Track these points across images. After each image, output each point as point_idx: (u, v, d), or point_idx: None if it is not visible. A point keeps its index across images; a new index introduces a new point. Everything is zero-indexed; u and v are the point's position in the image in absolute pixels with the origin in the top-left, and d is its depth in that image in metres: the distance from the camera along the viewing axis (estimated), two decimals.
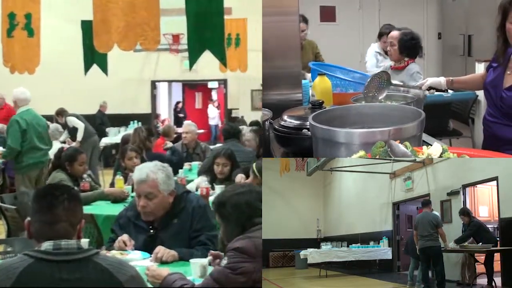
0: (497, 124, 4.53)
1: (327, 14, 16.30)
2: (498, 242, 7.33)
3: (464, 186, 8.34)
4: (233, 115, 20.01)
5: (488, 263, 7.21)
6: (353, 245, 11.23)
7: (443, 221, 7.91)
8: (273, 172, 11.01)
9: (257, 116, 15.81)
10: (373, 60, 9.80)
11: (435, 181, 8.99)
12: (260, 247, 3.36)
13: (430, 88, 5.13)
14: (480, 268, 7.47)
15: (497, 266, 7.26)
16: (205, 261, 3.84)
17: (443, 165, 8.65)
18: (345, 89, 5.99)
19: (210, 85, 25.81)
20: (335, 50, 11.07)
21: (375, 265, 10.94)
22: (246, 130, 10.09)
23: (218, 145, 10.20)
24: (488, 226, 7.84)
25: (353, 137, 3.38)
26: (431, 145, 3.30)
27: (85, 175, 7.63)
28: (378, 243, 10.82)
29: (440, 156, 3.22)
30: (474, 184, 8.28)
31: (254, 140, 9.46)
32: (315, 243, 12.15)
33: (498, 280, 7.10)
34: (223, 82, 21.20)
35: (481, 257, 7.40)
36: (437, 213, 7.94)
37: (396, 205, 10.50)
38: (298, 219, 13.19)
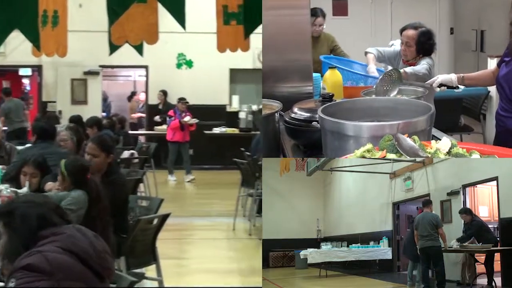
0: (511, 119, 4.60)
1: (339, 8, 16.29)
2: (498, 242, 7.40)
3: (464, 186, 8.44)
4: (49, 109, 17.20)
5: (488, 263, 7.29)
6: (353, 245, 11.39)
7: (443, 221, 8.03)
8: (273, 172, 11.02)
9: (79, 110, 14.52)
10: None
11: (435, 181, 9.10)
12: (55, 261, 2.85)
13: (441, 85, 5.20)
14: (480, 268, 7.58)
15: (497, 266, 7.35)
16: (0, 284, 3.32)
17: (443, 165, 8.72)
18: (355, 82, 6.06)
19: (22, 72, 20.65)
20: (347, 44, 10.55)
21: (375, 265, 11.10)
22: (61, 128, 8.58)
23: (28, 145, 8.42)
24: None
25: (362, 130, 3.42)
26: (440, 140, 3.33)
27: None
28: (378, 243, 10.98)
29: (449, 151, 3.24)
30: (474, 184, 8.39)
31: (71, 139, 7.96)
32: (315, 243, 12.28)
33: (498, 280, 7.18)
34: (37, 69, 17.97)
35: (481, 257, 7.49)
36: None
37: (396, 205, 10.65)
38: (298, 219, 13.31)
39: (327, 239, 12.60)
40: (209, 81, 17.44)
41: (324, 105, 3.91)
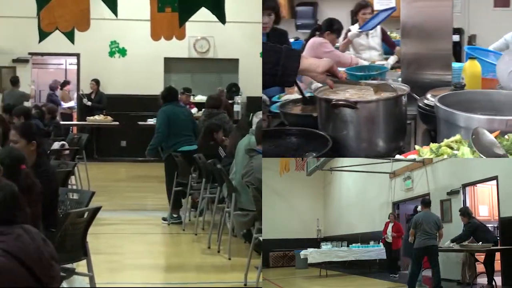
0: None
1: None
2: (499, 242, 7.48)
3: (464, 186, 8.52)
4: None
5: (488, 262, 7.34)
6: (353, 244, 11.49)
7: (443, 221, 8.09)
8: (273, 172, 11.25)
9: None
10: (502, 41, 8.66)
11: (435, 180, 9.20)
12: None
13: None
14: (481, 267, 7.61)
15: (497, 265, 7.41)
16: None
17: (443, 164, 8.79)
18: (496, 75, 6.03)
19: None
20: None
21: (375, 265, 11.16)
22: None
23: None
24: (488, 225, 8.03)
25: (472, 122, 3.53)
26: None
27: None
28: (378, 243, 10.98)
29: None
30: (474, 183, 8.47)
31: None
32: (315, 243, 12.37)
33: (498, 280, 7.25)
34: None
35: (481, 257, 7.52)
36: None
37: (396, 205, 10.72)
38: (298, 219, 13.41)
39: (327, 239, 12.70)
40: (143, 70, 17.08)
41: (444, 94, 4.07)
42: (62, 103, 18.50)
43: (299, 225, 13.38)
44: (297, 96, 5.16)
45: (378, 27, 8.90)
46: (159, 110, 10.30)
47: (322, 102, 4.14)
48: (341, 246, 11.77)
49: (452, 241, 7.69)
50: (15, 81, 16.58)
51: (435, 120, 4.14)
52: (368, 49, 9.06)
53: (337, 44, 8.73)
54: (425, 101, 4.54)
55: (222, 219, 8.32)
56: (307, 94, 4.79)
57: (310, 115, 4.51)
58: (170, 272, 7.79)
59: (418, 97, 4.66)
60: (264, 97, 5.48)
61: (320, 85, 4.28)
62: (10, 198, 3.01)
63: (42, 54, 18.35)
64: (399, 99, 4.27)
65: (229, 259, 7.87)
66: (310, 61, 3.93)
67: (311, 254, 11.02)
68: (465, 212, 7.81)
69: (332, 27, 8.23)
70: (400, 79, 5.40)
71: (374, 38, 9.04)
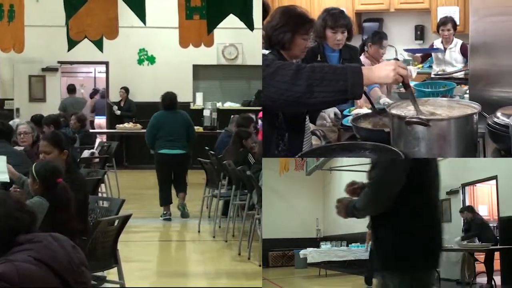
0: None
1: None
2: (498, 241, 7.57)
3: (464, 185, 8.59)
4: (6, 106, 16.86)
5: (488, 262, 7.39)
6: (353, 244, 11.52)
7: (442, 220, 7.85)
8: (272, 172, 11.40)
9: (37, 108, 14.65)
10: None
11: None
12: (26, 272, 2.73)
13: None
14: (480, 267, 7.65)
15: (496, 264, 7.46)
16: None
17: (443, 164, 8.74)
18: None
19: None
20: None
21: None
22: (20, 122, 8.70)
23: None
24: None
25: None
26: None
27: None
28: None
29: None
30: (473, 183, 8.53)
31: (31, 134, 8.08)
32: (314, 242, 12.43)
33: (497, 279, 7.29)
34: None
35: (480, 256, 7.57)
36: None
37: None
38: (298, 219, 13.44)
39: (326, 239, 12.74)
40: (172, 78, 17.02)
41: None
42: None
43: (299, 225, 13.41)
44: (367, 110, 5.17)
45: (459, 42, 9.13)
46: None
47: (395, 119, 4.12)
48: (341, 246, 11.84)
49: (463, 238, 7.81)
50: (72, 89, 17.12)
51: (505, 139, 4.13)
52: (443, 63, 9.26)
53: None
54: (495, 119, 4.44)
55: (252, 226, 8.30)
56: (377, 107, 4.79)
57: (382, 130, 4.51)
58: (200, 279, 7.75)
59: (488, 115, 4.56)
60: (336, 110, 5.52)
61: (389, 100, 4.39)
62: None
63: (71, 63, 18.36)
64: (470, 118, 4.23)
65: (260, 265, 7.85)
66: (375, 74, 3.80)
67: (310, 254, 11.10)
68: (470, 208, 8.01)
69: (374, 38, 8.31)
70: (466, 95, 5.36)
71: (452, 53, 9.20)
